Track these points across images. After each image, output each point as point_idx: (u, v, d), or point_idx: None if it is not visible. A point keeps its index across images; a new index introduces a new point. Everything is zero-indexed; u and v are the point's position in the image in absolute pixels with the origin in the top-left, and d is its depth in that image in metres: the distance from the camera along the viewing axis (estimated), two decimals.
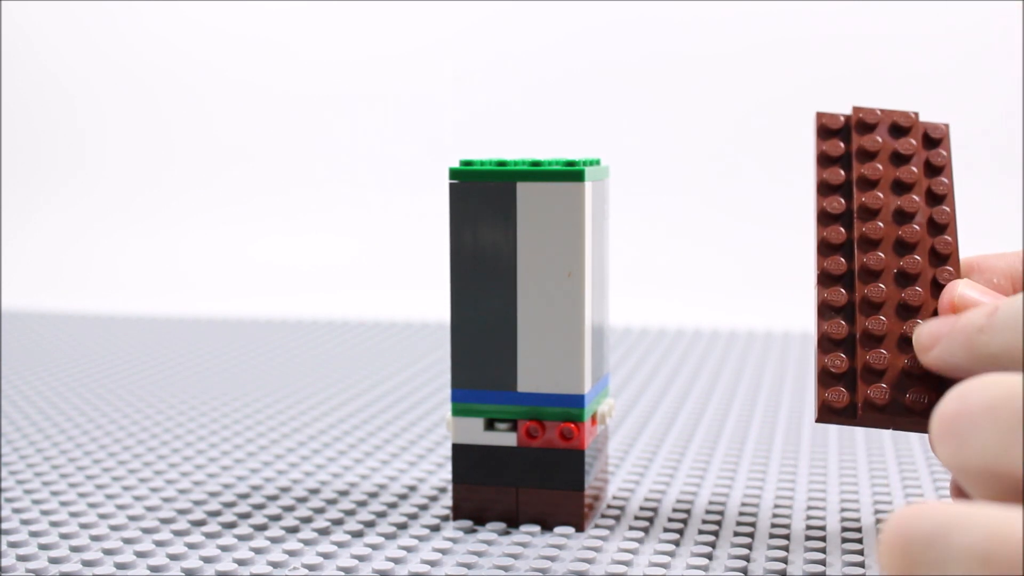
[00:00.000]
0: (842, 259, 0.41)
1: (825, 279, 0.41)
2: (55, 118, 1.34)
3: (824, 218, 0.42)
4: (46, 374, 0.74)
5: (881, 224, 0.41)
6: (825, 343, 0.40)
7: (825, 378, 0.39)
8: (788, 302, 0.86)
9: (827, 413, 0.39)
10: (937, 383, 0.38)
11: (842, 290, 0.40)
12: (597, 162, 0.45)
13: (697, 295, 1.02)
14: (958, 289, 0.38)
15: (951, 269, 0.40)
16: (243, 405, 0.65)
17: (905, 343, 0.39)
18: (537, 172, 0.43)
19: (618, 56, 1.19)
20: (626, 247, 0.88)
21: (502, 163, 0.43)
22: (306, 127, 1.27)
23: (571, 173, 0.42)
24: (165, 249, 1.22)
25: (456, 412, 0.45)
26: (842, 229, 0.41)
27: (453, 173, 0.44)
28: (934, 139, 0.43)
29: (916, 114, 0.44)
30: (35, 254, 1.24)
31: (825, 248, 0.41)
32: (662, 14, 1.18)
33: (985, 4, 1.11)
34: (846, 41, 1.15)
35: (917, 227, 0.41)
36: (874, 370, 0.39)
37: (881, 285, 0.40)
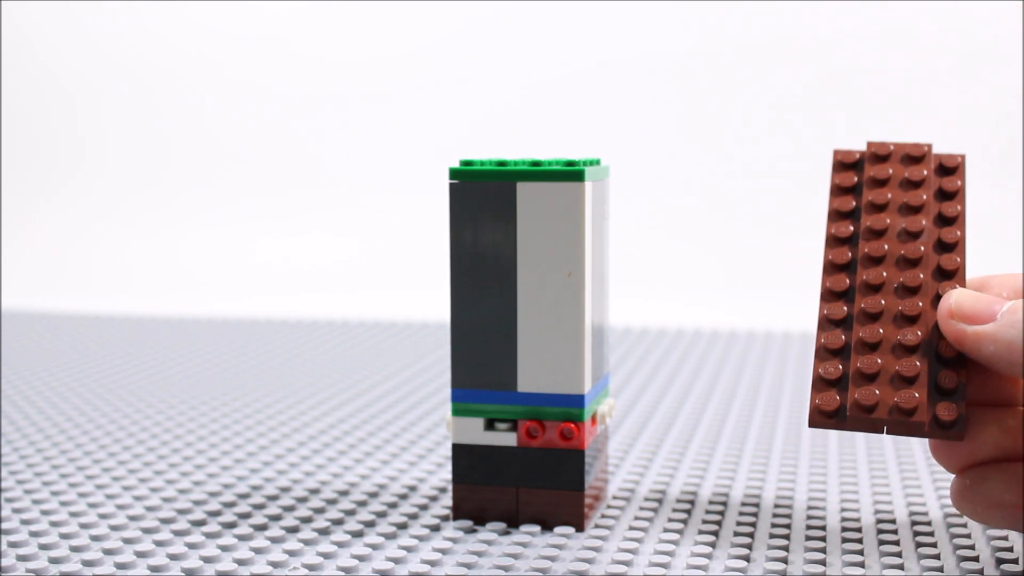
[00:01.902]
0: (845, 278, 0.42)
1: (828, 296, 0.42)
2: (55, 118, 1.34)
3: (832, 242, 0.43)
4: (46, 374, 0.74)
5: (885, 244, 0.42)
6: (822, 352, 0.40)
7: (819, 384, 0.40)
8: (788, 302, 0.86)
9: (818, 416, 0.39)
10: (929, 385, 0.39)
11: (843, 306, 0.41)
12: (597, 162, 0.45)
13: (697, 295, 1.02)
14: (953, 297, 0.39)
15: (956, 285, 0.41)
16: (243, 405, 0.65)
17: (900, 350, 0.39)
18: (537, 172, 0.43)
19: (618, 56, 1.19)
20: (626, 247, 0.88)
21: (502, 163, 0.43)
22: (306, 127, 1.27)
23: (571, 173, 0.42)
24: (165, 249, 1.22)
25: (456, 412, 0.45)
26: (847, 251, 0.42)
27: (453, 173, 0.44)
28: (948, 168, 0.44)
29: (929, 146, 0.44)
30: (35, 254, 1.24)
31: (831, 268, 0.42)
32: (662, 14, 1.18)
33: (985, 4, 1.11)
34: (847, 41, 1.15)
35: (922, 247, 0.41)
36: (865, 375, 0.39)
37: (881, 299, 0.41)
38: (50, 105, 1.34)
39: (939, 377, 0.39)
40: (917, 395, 0.38)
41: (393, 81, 1.25)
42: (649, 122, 1.17)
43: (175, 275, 1.16)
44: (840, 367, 0.40)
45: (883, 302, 0.40)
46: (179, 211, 1.26)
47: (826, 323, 0.41)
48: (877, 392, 0.38)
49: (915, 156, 0.44)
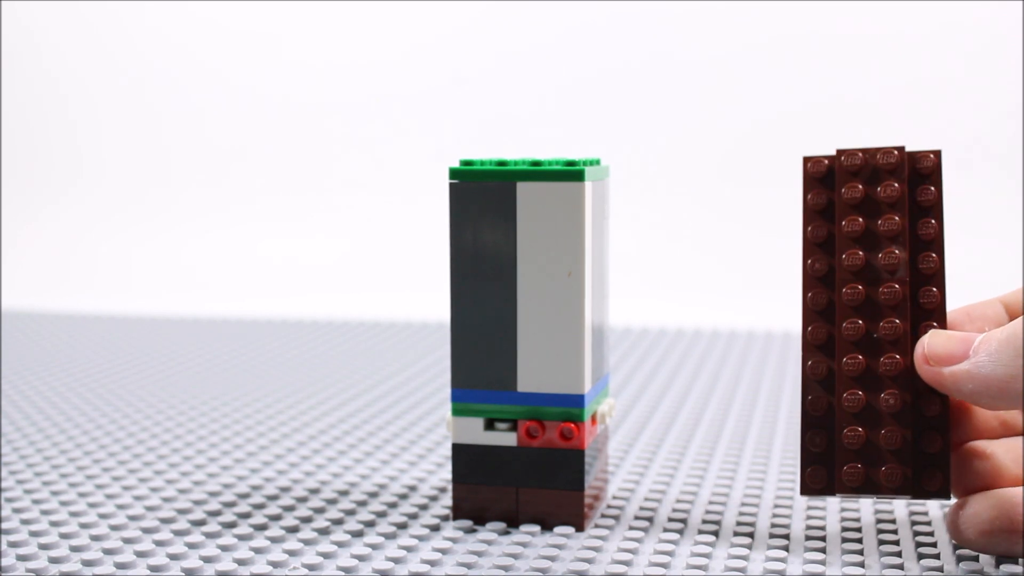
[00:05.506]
0: (824, 326, 0.41)
1: (809, 348, 0.41)
2: (57, 120, 1.34)
3: (809, 281, 0.42)
4: (46, 374, 0.74)
5: (860, 286, 0.40)
6: (808, 418, 0.41)
7: (806, 456, 0.41)
8: (787, 302, 0.85)
9: (809, 490, 0.41)
10: (911, 458, 0.39)
11: (823, 361, 0.41)
12: (597, 162, 0.45)
13: (697, 295, 1.02)
14: (926, 342, 0.39)
15: (935, 324, 0.40)
16: (243, 405, 0.65)
17: (883, 416, 0.40)
18: (537, 172, 0.43)
19: (618, 57, 1.19)
20: (626, 247, 0.88)
21: (502, 163, 0.43)
22: (307, 129, 1.27)
23: (571, 173, 0.42)
24: (166, 250, 1.22)
25: (456, 412, 0.45)
26: (824, 293, 0.41)
27: (453, 173, 0.44)
28: (923, 173, 0.41)
29: (901, 149, 0.41)
30: (36, 254, 1.24)
31: (810, 315, 0.41)
32: (663, 15, 1.18)
33: (985, 4, 1.11)
34: (847, 42, 1.15)
35: (898, 286, 0.40)
36: (850, 449, 0.40)
37: (859, 355, 0.40)
38: (52, 107, 1.34)
39: (923, 440, 0.39)
40: (902, 468, 0.39)
41: (393, 82, 1.25)
42: (649, 123, 1.17)
43: (176, 275, 1.16)
44: (825, 436, 0.40)
45: (861, 358, 0.40)
46: (180, 212, 1.26)
47: (811, 383, 0.41)
48: (861, 467, 0.40)
49: (887, 168, 0.41)
